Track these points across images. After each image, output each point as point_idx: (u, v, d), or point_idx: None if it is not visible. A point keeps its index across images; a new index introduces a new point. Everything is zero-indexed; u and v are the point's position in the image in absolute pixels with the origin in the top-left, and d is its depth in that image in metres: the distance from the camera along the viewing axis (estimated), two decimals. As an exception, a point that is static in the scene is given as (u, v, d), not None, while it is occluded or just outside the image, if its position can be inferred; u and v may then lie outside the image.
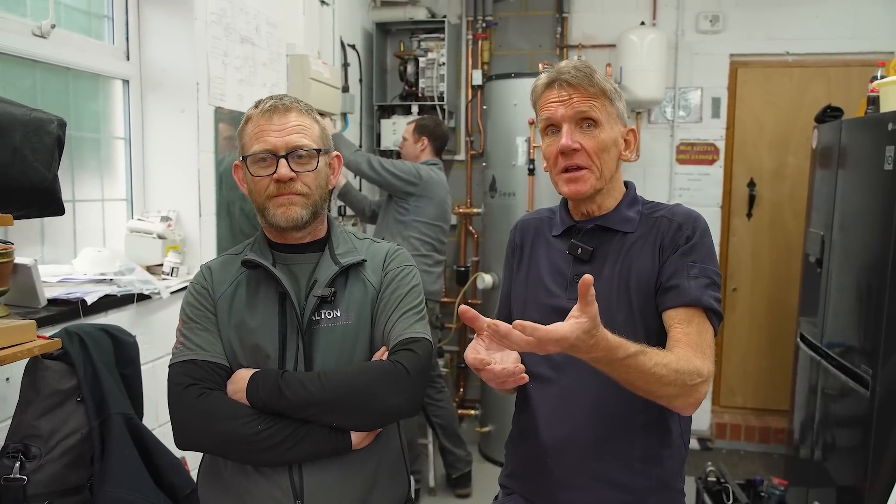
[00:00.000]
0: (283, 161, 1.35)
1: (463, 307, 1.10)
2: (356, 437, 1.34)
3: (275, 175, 1.34)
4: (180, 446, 1.34)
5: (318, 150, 1.39)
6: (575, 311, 1.05)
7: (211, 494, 1.42)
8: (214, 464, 1.41)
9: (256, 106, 1.40)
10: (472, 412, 4.24)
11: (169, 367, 1.37)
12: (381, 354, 1.38)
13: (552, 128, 1.39)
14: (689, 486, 2.81)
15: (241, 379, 1.34)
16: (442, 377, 3.61)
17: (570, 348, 1.06)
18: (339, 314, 1.38)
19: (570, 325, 1.03)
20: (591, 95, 1.35)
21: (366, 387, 1.31)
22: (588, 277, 1.03)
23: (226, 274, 1.43)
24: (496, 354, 1.15)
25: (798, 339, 3.18)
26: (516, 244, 1.55)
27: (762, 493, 2.80)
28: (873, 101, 2.69)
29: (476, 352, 1.15)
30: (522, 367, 1.16)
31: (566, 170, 1.37)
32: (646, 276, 1.36)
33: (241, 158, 1.42)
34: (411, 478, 1.52)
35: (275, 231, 1.42)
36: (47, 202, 1.50)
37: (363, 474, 1.38)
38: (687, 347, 1.26)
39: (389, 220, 3.36)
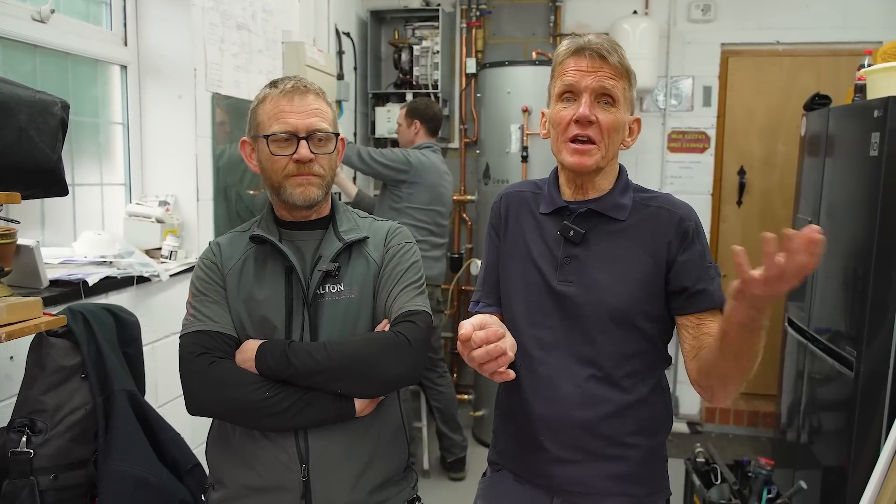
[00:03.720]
0: (303, 142, 1.39)
1: (464, 335, 1.13)
2: (359, 405, 1.39)
3: (295, 156, 1.39)
4: (192, 412, 1.39)
5: (336, 134, 1.45)
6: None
7: (220, 459, 1.47)
8: (223, 430, 1.46)
9: (273, 86, 1.43)
10: (466, 396, 4.30)
11: (180, 337, 1.42)
12: (384, 326, 1.43)
13: (569, 94, 1.36)
14: (679, 466, 2.87)
15: (249, 349, 1.38)
16: (444, 361, 3.65)
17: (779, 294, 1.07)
18: (342, 288, 1.43)
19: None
20: (617, 73, 1.34)
21: (370, 356, 1.37)
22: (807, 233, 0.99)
23: (234, 249, 1.48)
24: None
25: (786, 324, 3.24)
26: (501, 214, 1.54)
27: (749, 474, 2.85)
28: (860, 90, 2.73)
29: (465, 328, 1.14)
30: (507, 352, 1.15)
31: (574, 140, 1.36)
32: (644, 265, 1.37)
33: (252, 136, 1.46)
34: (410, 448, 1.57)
35: (285, 209, 1.46)
36: (51, 182, 1.53)
37: (366, 441, 1.43)
38: None
39: (384, 208, 3.40)
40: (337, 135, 1.46)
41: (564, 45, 1.39)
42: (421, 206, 3.38)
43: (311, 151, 1.40)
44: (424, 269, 3.48)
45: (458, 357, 4.48)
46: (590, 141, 1.35)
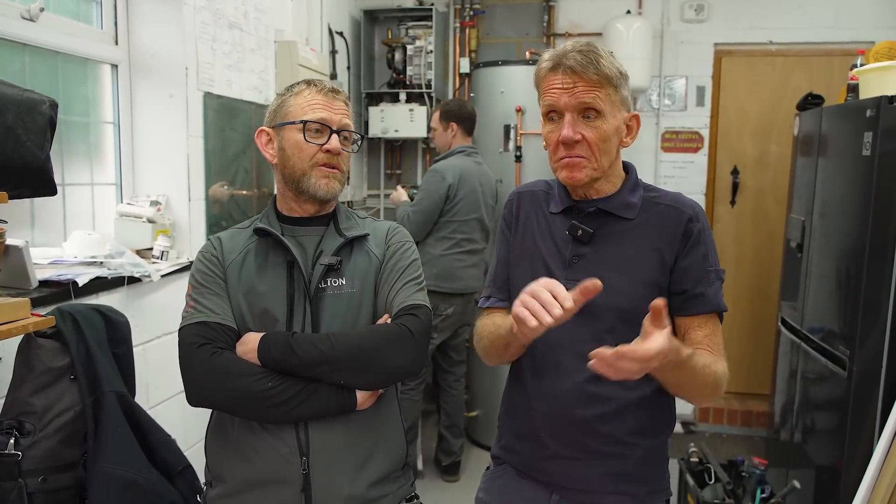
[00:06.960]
0: (335, 135, 1.46)
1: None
2: (360, 397, 1.40)
3: (326, 145, 1.45)
4: (193, 403, 1.38)
5: (362, 136, 1.49)
6: (650, 325, 1.12)
7: (219, 455, 1.46)
8: (221, 423, 1.45)
9: (309, 84, 1.50)
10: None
11: (180, 329, 1.41)
12: (385, 320, 1.45)
13: (554, 114, 1.37)
14: (673, 466, 2.86)
15: (250, 340, 1.38)
16: (465, 365, 3.62)
17: (665, 357, 1.13)
18: (344, 282, 1.45)
19: (662, 338, 1.11)
20: (595, 84, 1.32)
21: (373, 347, 1.38)
22: (658, 302, 1.11)
23: (235, 243, 1.49)
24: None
25: (779, 324, 3.25)
26: (514, 212, 1.55)
27: (743, 473, 2.86)
28: (853, 89, 2.74)
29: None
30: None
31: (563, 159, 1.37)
32: (652, 265, 1.38)
33: (278, 124, 1.48)
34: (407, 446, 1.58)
35: (295, 201, 1.49)
36: (40, 182, 1.52)
37: (366, 434, 1.44)
38: (709, 349, 1.38)
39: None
40: (362, 137, 1.51)
41: (543, 60, 1.38)
42: (462, 218, 3.31)
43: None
44: (463, 279, 3.46)
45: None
46: (579, 156, 1.36)
